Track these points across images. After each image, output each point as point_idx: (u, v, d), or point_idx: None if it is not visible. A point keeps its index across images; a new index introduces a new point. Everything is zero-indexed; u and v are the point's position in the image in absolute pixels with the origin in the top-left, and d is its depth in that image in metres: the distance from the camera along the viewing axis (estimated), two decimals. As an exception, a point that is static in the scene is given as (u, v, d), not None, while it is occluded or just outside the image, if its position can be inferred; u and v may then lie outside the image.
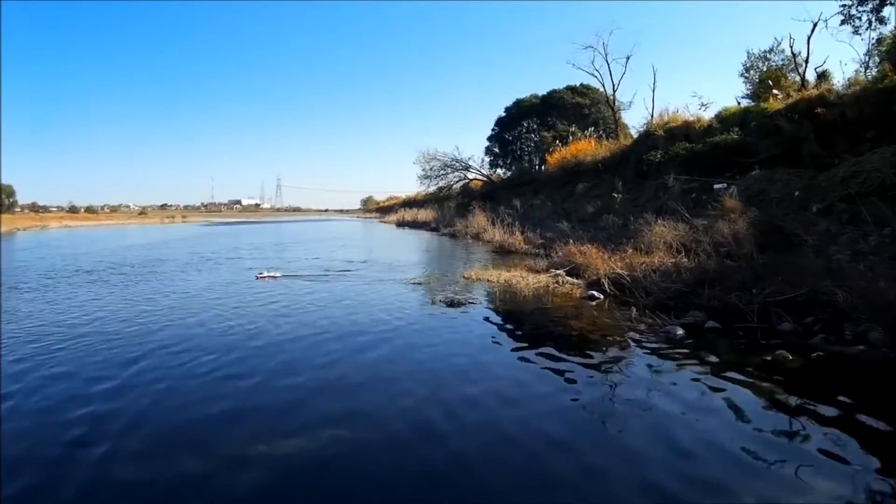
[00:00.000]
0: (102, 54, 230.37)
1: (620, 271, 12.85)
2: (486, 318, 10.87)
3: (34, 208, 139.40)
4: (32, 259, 25.91)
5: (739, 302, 9.54)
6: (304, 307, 12.16)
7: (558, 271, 15.03)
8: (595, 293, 12.33)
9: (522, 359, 8.13)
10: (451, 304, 11.97)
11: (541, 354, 8.18)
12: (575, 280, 14.22)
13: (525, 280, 14.65)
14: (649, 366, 7.54)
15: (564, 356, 8.05)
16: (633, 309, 10.60)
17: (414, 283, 15.16)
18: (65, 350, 8.94)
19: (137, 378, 7.39)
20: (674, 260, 12.69)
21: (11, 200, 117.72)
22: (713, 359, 7.63)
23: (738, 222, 12.95)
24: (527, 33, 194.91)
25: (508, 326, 10.27)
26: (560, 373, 7.34)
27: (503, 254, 23.33)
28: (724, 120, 24.52)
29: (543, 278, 14.70)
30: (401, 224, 64.02)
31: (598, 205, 27.77)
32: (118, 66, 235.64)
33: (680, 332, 8.84)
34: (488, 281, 15.16)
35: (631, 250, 14.45)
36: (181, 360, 8.20)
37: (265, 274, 18.49)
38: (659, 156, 25.73)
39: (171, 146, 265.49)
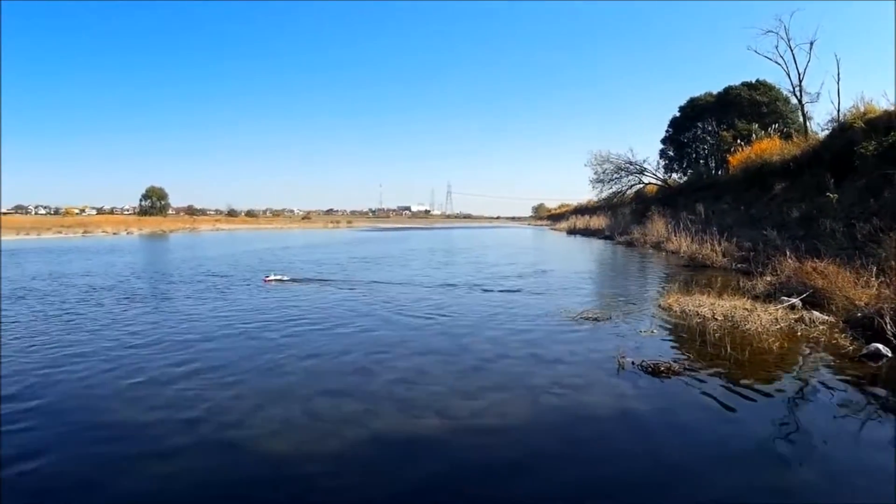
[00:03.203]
0: (277, 60, 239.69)
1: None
2: (728, 415, 5.55)
3: (190, 211, 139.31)
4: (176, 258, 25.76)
5: None
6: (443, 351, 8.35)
7: (791, 300, 10.08)
8: (880, 348, 7.28)
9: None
10: (653, 371, 6.71)
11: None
12: (822, 315, 9.28)
13: (755, 315, 9.35)
14: None
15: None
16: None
17: (589, 319, 10.06)
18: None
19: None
20: None
21: (163, 203, 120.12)
22: None
23: None
24: (700, 18, 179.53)
25: (783, 446, 4.93)
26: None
27: (695, 268, 18.60)
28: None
29: (777, 312, 9.49)
30: (572, 232, 59.71)
31: (801, 209, 21.72)
32: (288, 71, 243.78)
33: None
34: (697, 314, 9.94)
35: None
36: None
37: (272, 278, 17.65)
38: (872, 148, 18.78)
39: (341, 152, 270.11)
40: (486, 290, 14.25)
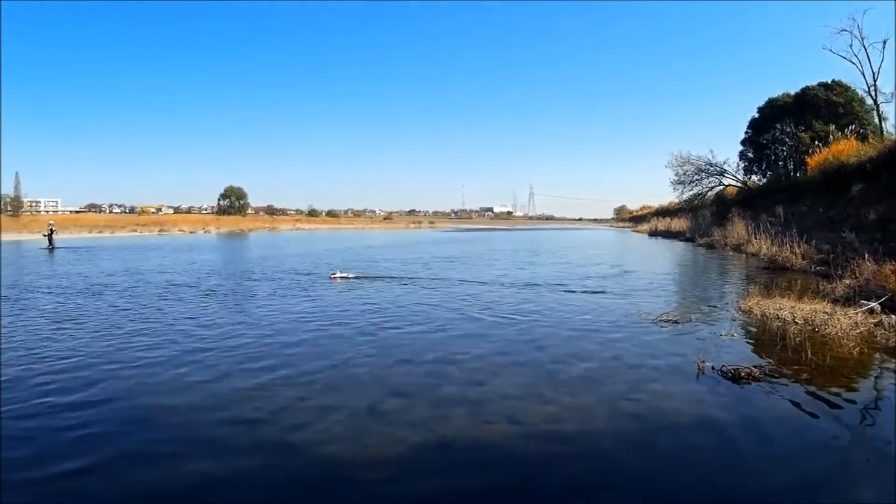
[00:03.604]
0: (359, 61, 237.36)
1: None
2: (811, 424, 5.35)
3: (269, 210, 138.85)
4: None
5: None
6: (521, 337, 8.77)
7: (870, 304, 9.93)
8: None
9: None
10: (734, 376, 6.53)
11: None
12: (901, 319, 9.06)
13: (835, 319, 9.12)
14: None
15: None
16: None
17: (669, 321, 9.88)
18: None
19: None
20: None
21: (242, 202, 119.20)
22: None
23: None
24: (775, 17, 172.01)
25: (871, 458, 4.72)
26: None
27: (775, 270, 18.18)
28: None
29: (857, 316, 9.29)
30: (653, 234, 58.91)
31: (879, 211, 20.66)
32: (371, 73, 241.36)
33: None
34: (777, 317, 9.74)
35: None
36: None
37: (338, 275, 17.58)
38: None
39: (423, 153, 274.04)
40: (568, 291, 14.19)
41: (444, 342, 8.65)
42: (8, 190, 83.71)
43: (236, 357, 7.81)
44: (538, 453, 4.75)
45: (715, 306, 11.97)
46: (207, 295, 13.91)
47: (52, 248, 35.59)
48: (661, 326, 9.65)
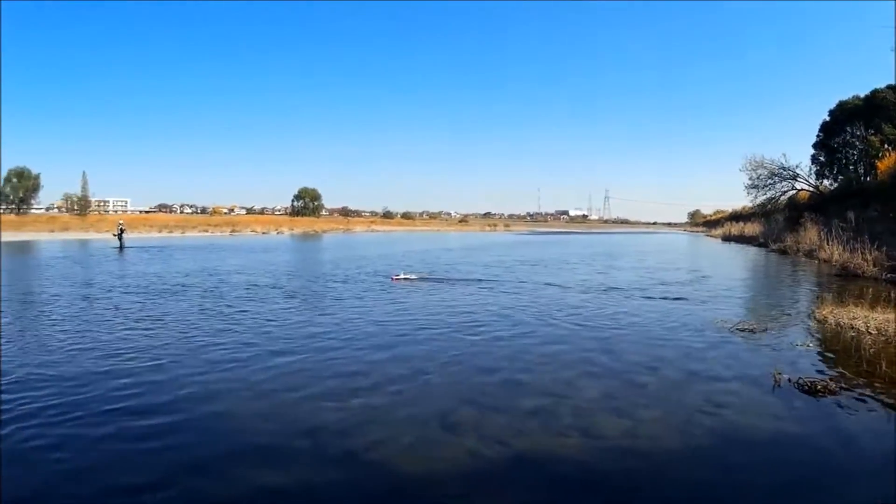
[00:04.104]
0: (434, 62, 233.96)
1: None
2: (890, 437, 5.26)
3: (344, 212, 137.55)
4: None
5: None
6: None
7: None
8: None
9: None
10: (810, 389, 6.40)
11: None
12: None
13: None
14: None
15: None
16: None
17: (745, 330, 9.73)
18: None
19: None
20: None
21: (317, 203, 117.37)
22: None
23: None
24: (847, 16, 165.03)
25: None
26: None
27: (846, 277, 17.80)
28: None
29: None
30: (727, 238, 57.58)
31: None
32: (446, 75, 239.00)
33: None
34: (851, 327, 9.49)
35: None
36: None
37: (400, 276, 17.61)
38: None
39: (499, 156, 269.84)
40: (647, 297, 13.98)
41: (522, 349, 8.54)
42: (75, 189, 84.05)
43: (315, 363, 7.80)
44: (614, 470, 4.60)
45: (790, 314, 11.80)
46: (290, 297, 13.97)
47: (123, 247, 35.48)
48: (737, 335, 9.48)
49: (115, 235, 37.84)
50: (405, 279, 17.26)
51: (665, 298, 13.88)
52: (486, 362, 7.85)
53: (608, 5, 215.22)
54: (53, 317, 11.21)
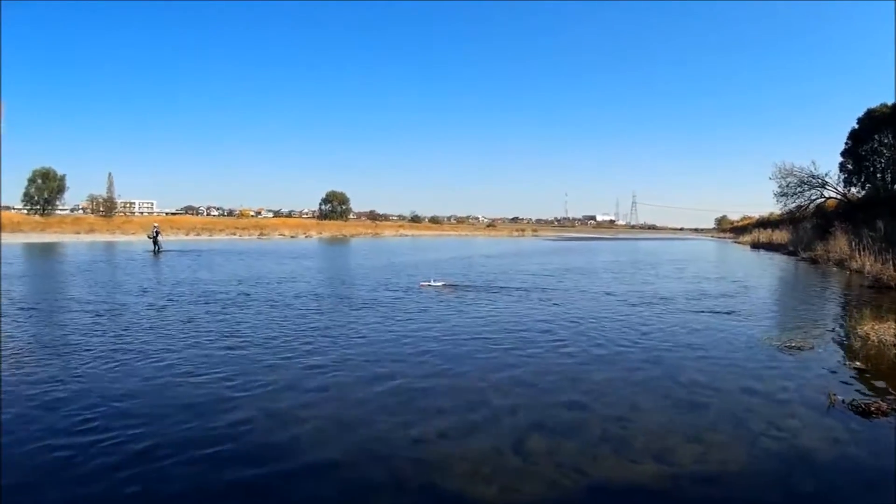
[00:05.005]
0: (459, 66, 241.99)
1: None
2: None
3: (371, 216, 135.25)
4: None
5: None
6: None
7: None
8: None
9: None
10: (864, 410, 6.40)
11: None
12: None
13: None
14: None
15: None
16: None
17: (793, 347, 9.62)
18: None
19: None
20: None
21: (344, 207, 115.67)
22: None
23: None
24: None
25: None
26: None
27: (879, 290, 17.57)
28: None
29: None
30: (755, 246, 56.82)
31: None
32: (471, 78, 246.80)
33: None
34: (894, 344, 9.45)
35: None
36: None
37: (430, 283, 17.58)
38: None
39: (527, 160, 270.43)
40: (694, 312, 13.70)
41: (581, 368, 8.38)
42: (101, 190, 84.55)
43: (362, 376, 7.85)
44: (693, 499, 4.53)
45: (832, 329, 11.75)
46: (361, 308, 13.70)
47: (159, 250, 34.64)
48: (786, 353, 9.38)
49: (149, 238, 36.92)
50: (431, 286, 17.43)
51: (714, 312, 13.71)
52: (549, 383, 7.63)
53: (636, 6, 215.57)
54: (131, 330, 10.66)
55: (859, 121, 42.88)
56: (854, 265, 24.30)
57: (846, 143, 44.06)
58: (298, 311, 13.13)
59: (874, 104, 41.91)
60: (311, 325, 11.47)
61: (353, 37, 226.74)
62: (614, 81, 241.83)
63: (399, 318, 12.48)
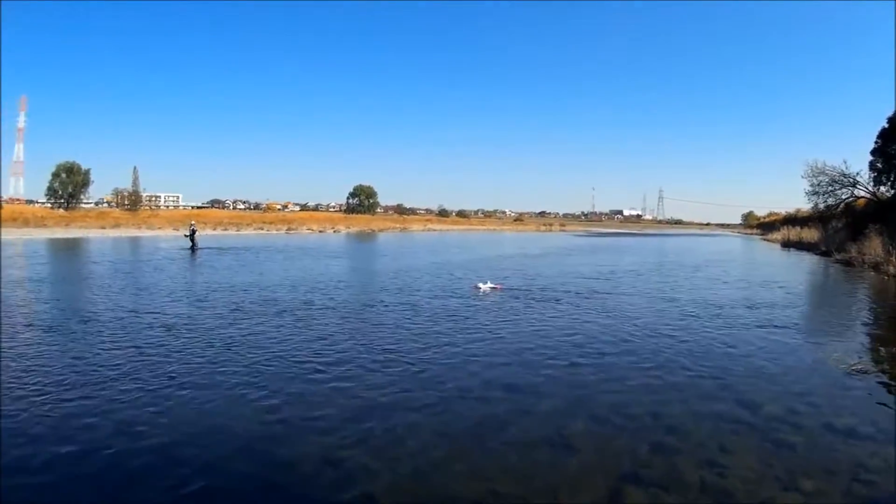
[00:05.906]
0: (488, 60, 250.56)
1: None
2: None
3: (399, 210, 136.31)
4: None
5: None
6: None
7: None
8: None
9: None
10: None
11: None
12: None
13: None
14: None
15: None
16: None
17: (860, 372, 9.22)
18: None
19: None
20: None
21: (372, 201, 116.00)
22: None
23: None
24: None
25: None
26: None
27: None
28: None
29: None
30: (786, 244, 55.83)
31: None
32: (500, 72, 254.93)
33: None
34: None
35: None
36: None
37: (481, 286, 17.60)
38: None
39: (553, 154, 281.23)
40: (756, 326, 13.22)
41: (662, 400, 7.76)
42: (126, 184, 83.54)
43: (406, 384, 7.99)
44: None
45: (886, 346, 11.38)
46: (440, 320, 13.21)
47: (196, 248, 33.70)
48: (857, 378, 8.98)
49: (186, 236, 35.65)
50: (489, 288, 17.34)
51: (774, 327, 13.24)
52: (622, 417, 7.04)
53: (661, 4, 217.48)
54: (215, 347, 9.99)
55: (889, 120, 42.02)
56: (891, 269, 24.07)
57: (876, 143, 43.21)
58: (373, 325, 12.56)
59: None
60: (400, 343, 10.75)
61: (382, 30, 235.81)
62: (641, 78, 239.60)
63: (487, 331, 12.13)
